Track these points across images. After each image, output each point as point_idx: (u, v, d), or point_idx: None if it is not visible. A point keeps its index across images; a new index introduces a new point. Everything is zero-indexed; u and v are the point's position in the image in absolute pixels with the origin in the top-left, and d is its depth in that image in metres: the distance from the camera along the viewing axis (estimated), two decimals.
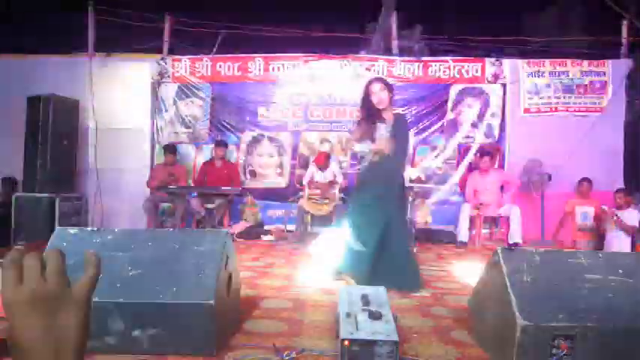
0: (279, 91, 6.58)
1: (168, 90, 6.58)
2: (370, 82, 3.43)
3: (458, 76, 6.49)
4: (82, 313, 0.50)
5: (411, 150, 6.49)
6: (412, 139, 6.47)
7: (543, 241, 5.82)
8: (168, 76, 6.56)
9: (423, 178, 6.25)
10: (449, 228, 6.17)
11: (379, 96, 3.34)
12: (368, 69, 6.52)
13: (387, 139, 3.30)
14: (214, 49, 6.56)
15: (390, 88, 3.41)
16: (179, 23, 6.70)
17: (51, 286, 0.47)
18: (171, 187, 5.71)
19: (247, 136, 6.61)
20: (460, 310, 2.69)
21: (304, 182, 6.17)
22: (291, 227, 5.97)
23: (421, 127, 6.51)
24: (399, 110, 6.52)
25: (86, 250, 0.53)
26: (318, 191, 5.88)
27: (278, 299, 2.89)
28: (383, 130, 3.37)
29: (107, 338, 1.90)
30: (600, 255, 2.11)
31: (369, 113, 3.37)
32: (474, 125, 6.51)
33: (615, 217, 5.40)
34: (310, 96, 6.57)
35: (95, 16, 6.48)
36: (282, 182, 6.59)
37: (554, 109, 6.43)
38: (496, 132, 6.50)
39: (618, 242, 5.34)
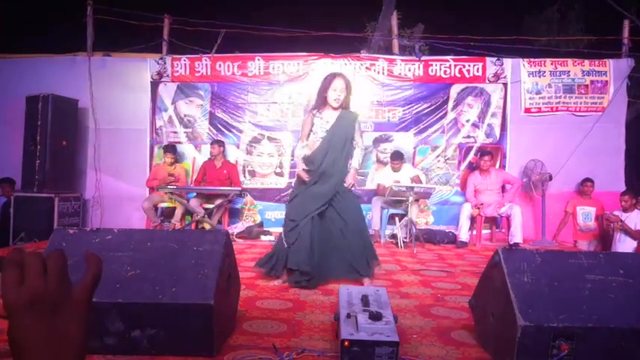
0: (279, 91, 6.57)
1: (168, 89, 6.57)
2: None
3: (459, 75, 6.47)
4: (83, 315, 0.49)
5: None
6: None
7: (544, 241, 5.81)
8: (168, 76, 6.54)
9: (424, 179, 6.24)
10: (450, 228, 6.16)
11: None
12: (368, 68, 6.51)
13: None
14: (214, 49, 6.54)
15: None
16: (178, 22, 6.69)
17: (52, 287, 0.47)
18: (170, 186, 5.71)
19: (247, 136, 6.60)
20: (461, 311, 2.69)
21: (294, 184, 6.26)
22: None
23: (422, 126, 6.49)
24: (398, 110, 6.53)
25: (87, 251, 0.53)
26: None
27: (278, 300, 2.88)
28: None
29: (106, 338, 1.90)
30: (601, 255, 2.10)
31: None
32: (475, 125, 6.50)
33: (620, 223, 5.37)
34: (310, 96, 6.55)
35: (94, 15, 6.48)
36: (281, 182, 6.58)
37: (555, 109, 6.42)
38: (497, 132, 6.48)
39: (624, 247, 5.31)
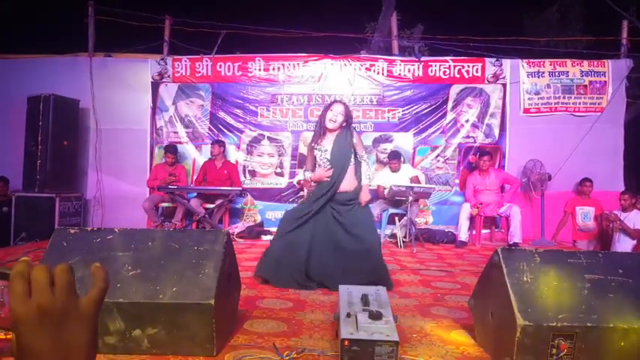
0: (279, 91, 6.58)
1: (169, 90, 6.58)
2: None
3: (458, 76, 6.48)
4: (90, 327, 0.49)
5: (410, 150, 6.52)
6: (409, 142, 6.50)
7: (543, 241, 5.82)
8: (169, 76, 6.55)
9: (423, 179, 6.25)
10: (449, 228, 6.17)
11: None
12: (368, 69, 6.52)
13: None
14: (215, 49, 6.55)
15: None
16: (179, 23, 6.70)
17: (59, 300, 0.47)
18: (171, 187, 5.72)
19: (247, 136, 6.61)
20: (460, 310, 2.70)
21: (295, 181, 6.34)
22: None
23: (421, 127, 6.51)
24: (398, 111, 6.54)
25: (95, 263, 0.52)
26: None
27: (278, 299, 2.89)
28: None
29: (107, 338, 1.90)
30: (600, 255, 2.11)
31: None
32: (475, 125, 6.51)
33: (619, 222, 5.37)
34: (310, 96, 6.57)
35: (95, 15, 6.49)
36: (282, 182, 6.59)
37: (554, 109, 6.43)
38: (496, 132, 6.49)
39: (623, 246, 5.32)
